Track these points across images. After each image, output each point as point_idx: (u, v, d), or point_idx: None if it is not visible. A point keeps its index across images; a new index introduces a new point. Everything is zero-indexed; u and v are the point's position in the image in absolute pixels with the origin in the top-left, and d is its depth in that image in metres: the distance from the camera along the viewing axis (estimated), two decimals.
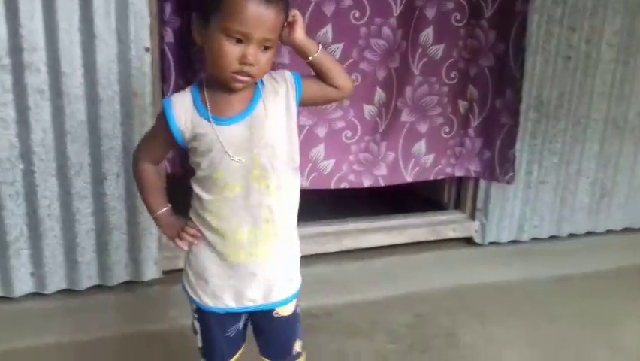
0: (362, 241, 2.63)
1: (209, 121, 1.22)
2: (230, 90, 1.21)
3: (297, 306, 1.42)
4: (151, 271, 2.21)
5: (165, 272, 2.26)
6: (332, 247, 2.57)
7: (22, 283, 2.05)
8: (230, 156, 1.22)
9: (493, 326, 2.35)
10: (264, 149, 1.24)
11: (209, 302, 1.33)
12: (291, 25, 1.24)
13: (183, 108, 1.23)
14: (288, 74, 1.29)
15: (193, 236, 1.32)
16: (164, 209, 1.37)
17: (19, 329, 2.04)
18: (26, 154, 1.92)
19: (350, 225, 2.66)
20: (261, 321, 1.40)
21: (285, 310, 1.39)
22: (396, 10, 2.31)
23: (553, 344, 2.24)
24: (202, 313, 1.37)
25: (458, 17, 2.45)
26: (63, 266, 2.08)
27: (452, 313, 2.43)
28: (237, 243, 1.28)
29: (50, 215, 2.01)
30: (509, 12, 2.43)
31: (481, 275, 2.73)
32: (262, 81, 1.26)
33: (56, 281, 2.09)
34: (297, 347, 1.46)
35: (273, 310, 1.37)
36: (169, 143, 1.28)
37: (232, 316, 1.37)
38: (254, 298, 1.33)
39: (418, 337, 2.25)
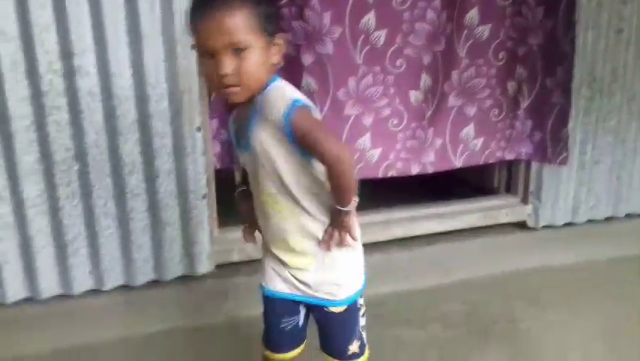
0: (412, 229, 2.59)
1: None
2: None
3: (351, 309, 1.36)
4: (203, 266, 2.23)
5: (218, 266, 2.28)
6: (380, 236, 2.54)
7: (81, 281, 2.10)
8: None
9: (551, 310, 2.30)
10: (270, 175, 1.23)
11: (265, 283, 1.38)
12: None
13: None
14: (280, 112, 1.13)
15: (245, 240, 1.49)
16: None
17: (79, 325, 2.10)
18: (81, 155, 1.96)
19: (398, 213, 2.63)
20: (316, 316, 1.39)
21: (336, 309, 1.35)
22: None
23: (613, 327, 2.16)
24: (264, 299, 1.41)
25: None
26: (120, 263, 2.13)
27: (507, 299, 2.38)
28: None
29: (106, 214, 2.05)
30: None
31: (536, 259, 2.66)
32: (262, 102, 1.16)
33: (113, 278, 2.14)
34: (354, 347, 1.40)
35: (324, 306, 1.34)
36: None
37: (287, 306, 1.38)
38: (300, 287, 1.33)
39: (473, 324, 2.21)
